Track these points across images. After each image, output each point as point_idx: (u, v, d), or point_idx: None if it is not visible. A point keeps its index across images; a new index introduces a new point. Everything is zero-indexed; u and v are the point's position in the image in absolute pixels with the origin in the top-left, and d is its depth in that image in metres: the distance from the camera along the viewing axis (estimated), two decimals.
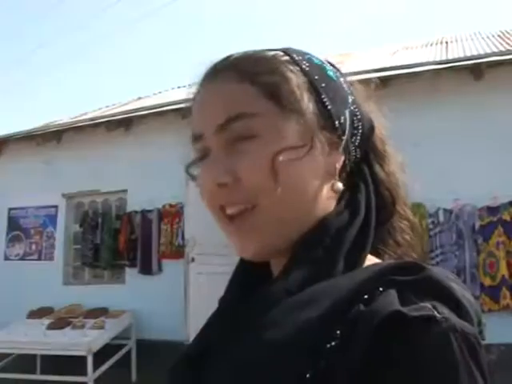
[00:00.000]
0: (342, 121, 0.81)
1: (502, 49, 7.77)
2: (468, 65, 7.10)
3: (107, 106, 12.80)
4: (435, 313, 0.60)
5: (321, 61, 0.86)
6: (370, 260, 0.79)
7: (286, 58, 0.82)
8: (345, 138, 0.81)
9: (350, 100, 0.84)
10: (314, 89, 0.80)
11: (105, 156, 9.57)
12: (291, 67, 0.80)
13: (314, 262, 0.74)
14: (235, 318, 0.78)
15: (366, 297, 0.64)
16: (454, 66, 7.12)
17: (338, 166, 0.81)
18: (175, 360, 0.84)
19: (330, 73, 0.84)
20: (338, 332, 0.63)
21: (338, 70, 0.88)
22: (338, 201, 0.82)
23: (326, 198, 0.80)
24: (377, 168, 0.87)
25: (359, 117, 0.84)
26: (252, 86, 0.77)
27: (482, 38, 9.98)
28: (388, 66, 7.67)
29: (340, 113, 0.81)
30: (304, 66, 0.81)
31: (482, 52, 7.77)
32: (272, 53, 0.82)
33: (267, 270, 0.87)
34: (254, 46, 0.83)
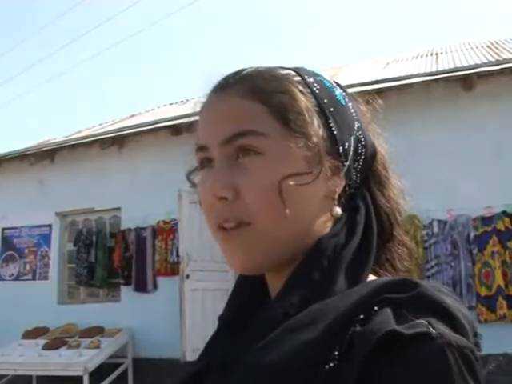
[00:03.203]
0: (346, 147, 0.80)
1: (492, 59, 7.82)
2: (459, 76, 7.14)
3: (100, 124, 12.81)
4: (430, 329, 0.60)
5: (332, 84, 0.85)
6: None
7: (298, 78, 0.81)
8: (347, 163, 0.80)
9: (356, 126, 0.83)
10: (323, 113, 0.79)
11: (98, 174, 9.57)
12: (302, 89, 0.79)
13: (311, 283, 0.73)
14: (233, 340, 0.78)
15: (361, 317, 0.64)
16: (445, 77, 7.16)
17: (338, 190, 0.81)
18: (176, 381, 0.83)
19: (340, 97, 0.84)
20: (336, 353, 0.61)
21: (347, 93, 0.88)
22: (336, 223, 0.81)
23: (324, 221, 0.80)
24: (376, 193, 0.86)
25: (363, 143, 0.84)
26: (261, 105, 0.76)
27: (472, 49, 10.04)
28: (380, 78, 7.71)
29: (345, 139, 0.80)
30: (314, 89, 0.81)
31: (472, 63, 7.82)
32: (284, 72, 0.82)
33: (265, 284, 0.86)
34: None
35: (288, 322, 0.68)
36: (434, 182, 6.73)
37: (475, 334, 0.69)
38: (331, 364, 0.61)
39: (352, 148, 0.81)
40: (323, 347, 0.62)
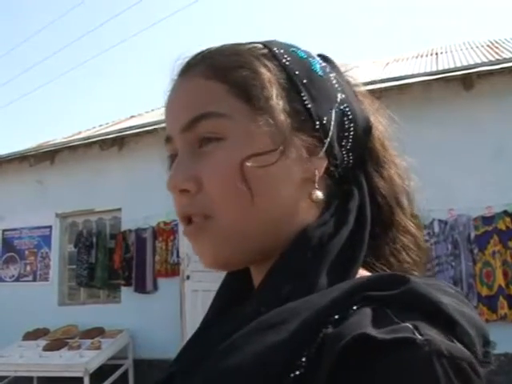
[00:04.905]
0: (324, 122, 0.71)
1: (492, 59, 7.81)
2: (459, 75, 7.13)
3: (100, 125, 12.81)
4: (416, 334, 0.50)
5: (307, 54, 0.77)
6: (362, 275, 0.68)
7: (265, 51, 0.74)
8: (327, 140, 0.71)
9: (340, 98, 0.74)
10: (293, 85, 0.72)
11: (98, 175, 9.56)
12: (266, 62, 0.72)
13: (291, 277, 0.65)
14: (207, 340, 0.71)
15: (336, 317, 0.55)
16: (445, 77, 7.15)
17: (318, 172, 0.71)
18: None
19: (316, 67, 0.75)
20: (304, 359, 0.53)
21: (330, 63, 0.80)
22: (323, 210, 0.72)
23: (306, 207, 0.71)
24: (373, 174, 0.76)
25: (351, 117, 0.75)
26: (221, 83, 0.70)
27: (472, 49, 10.04)
28: (379, 78, 7.70)
29: (323, 113, 0.72)
30: (284, 60, 0.73)
31: (472, 62, 7.81)
32: (250, 46, 0.75)
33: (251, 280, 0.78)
34: None
35: (256, 320, 0.60)
36: (434, 181, 6.69)
37: (486, 343, 0.60)
38: (297, 372, 0.53)
39: (333, 123, 0.72)
40: (291, 351, 0.55)
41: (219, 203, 0.68)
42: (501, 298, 6.60)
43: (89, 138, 10.00)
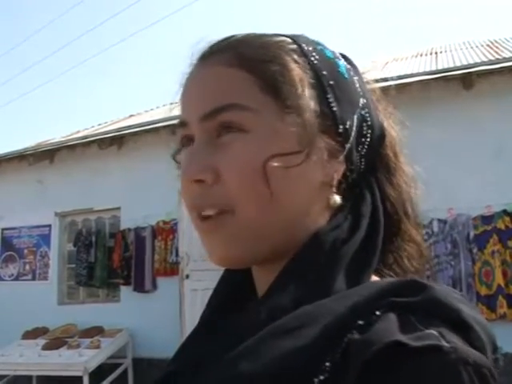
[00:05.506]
0: (347, 126, 0.70)
1: (492, 58, 7.81)
2: (458, 75, 7.12)
3: (99, 124, 12.79)
4: (443, 342, 0.50)
5: (334, 54, 0.75)
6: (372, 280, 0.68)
7: (294, 46, 0.71)
8: (348, 145, 0.70)
9: (361, 103, 0.74)
10: (320, 86, 0.70)
11: (97, 174, 9.55)
12: (297, 58, 0.70)
13: (304, 281, 0.64)
14: (210, 341, 0.70)
15: (361, 322, 0.55)
16: (445, 76, 7.15)
17: (337, 176, 0.71)
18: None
19: (343, 69, 0.74)
20: (328, 364, 0.53)
21: (353, 66, 0.78)
22: (335, 214, 0.71)
23: (320, 211, 0.70)
24: (383, 181, 0.76)
25: (369, 123, 0.74)
26: (248, 74, 0.67)
27: (472, 48, 10.03)
28: (379, 77, 7.69)
29: (346, 117, 0.71)
30: (313, 59, 0.71)
31: (471, 62, 7.81)
32: (278, 39, 0.72)
33: (252, 279, 0.77)
34: None
35: (272, 325, 0.58)
36: (433, 181, 6.63)
37: (495, 349, 0.60)
38: (321, 377, 0.53)
39: (355, 128, 0.71)
40: (313, 357, 0.54)
41: (240, 197, 0.66)
42: (500, 298, 6.59)
43: (87, 137, 10.01)
